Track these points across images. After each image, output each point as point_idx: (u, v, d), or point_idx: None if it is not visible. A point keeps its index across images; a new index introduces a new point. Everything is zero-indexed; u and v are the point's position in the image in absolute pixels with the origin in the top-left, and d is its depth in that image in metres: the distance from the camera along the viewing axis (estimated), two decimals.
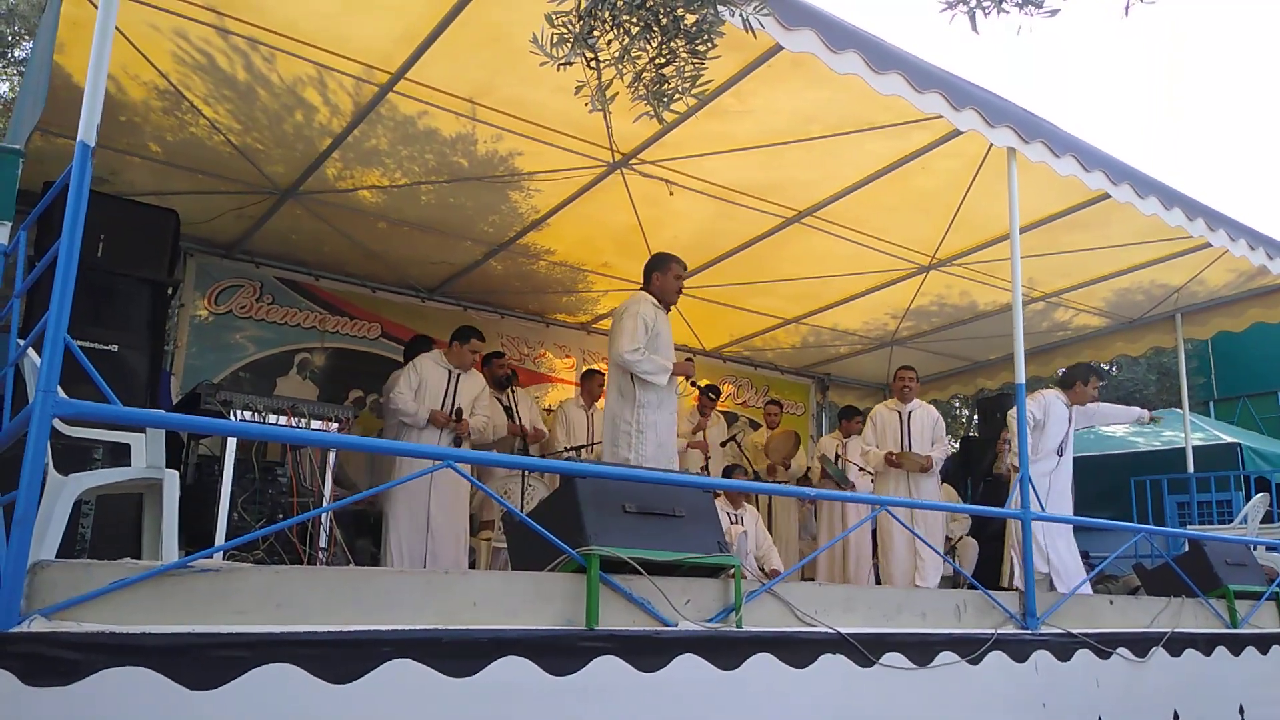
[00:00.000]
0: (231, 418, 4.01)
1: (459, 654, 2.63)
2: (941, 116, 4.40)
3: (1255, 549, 6.23)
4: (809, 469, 8.35)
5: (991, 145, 4.87)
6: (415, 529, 5.41)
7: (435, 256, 7.10)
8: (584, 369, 8.35)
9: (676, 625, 3.12)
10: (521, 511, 4.19)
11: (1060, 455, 6.29)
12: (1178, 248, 6.64)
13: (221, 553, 3.24)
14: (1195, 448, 8.49)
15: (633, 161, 5.56)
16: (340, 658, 2.48)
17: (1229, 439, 10.54)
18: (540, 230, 6.61)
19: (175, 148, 5.41)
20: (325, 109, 5.02)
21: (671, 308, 5.27)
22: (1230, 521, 8.34)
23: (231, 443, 3.93)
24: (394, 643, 2.53)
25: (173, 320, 6.65)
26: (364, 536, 6.04)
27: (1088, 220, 6.22)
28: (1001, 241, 6.49)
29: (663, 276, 5.18)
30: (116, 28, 3.53)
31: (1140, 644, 4.54)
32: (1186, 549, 5.71)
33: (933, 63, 4.37)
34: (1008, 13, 1.75)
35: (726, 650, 3.18)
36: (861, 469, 7.94)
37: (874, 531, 8.03)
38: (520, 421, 6.67)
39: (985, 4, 1.75)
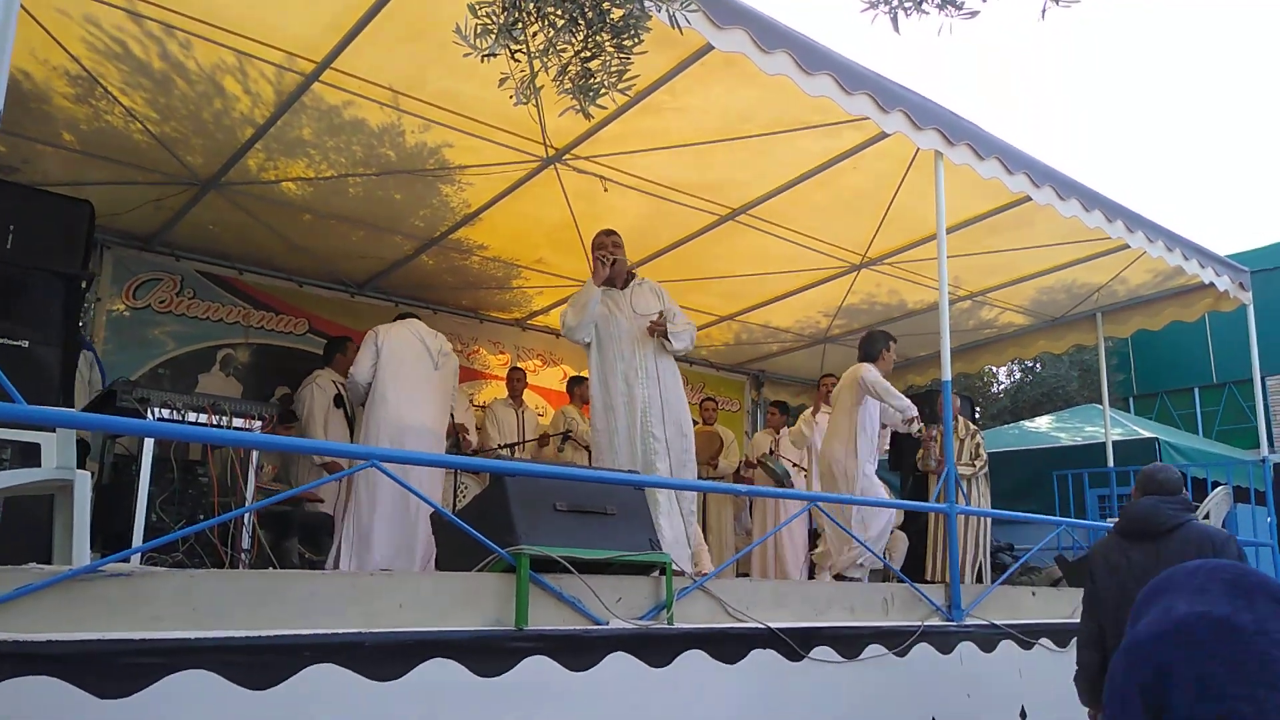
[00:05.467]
0: (149, 416, 3.88)
1: (384, 657, 2.59)
2: (869, 118, 4.46)
3: None
4: (742, 464, 8.41)
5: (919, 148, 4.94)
6: (383, 526, 5.26)
7: (364, 250, 6.98)
8: (572, 375, 8.30)
9: (607, 623, 3.11)
10: (453, 510, 4.14)
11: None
12: (1099, 248, 6.82)
13: (138, 556, 3.13)
14: (1115, 442, 8.74)
15: (566, 157, 5.52)
16: (259, 663, 2.41)
17: (1148, 434, 10.88)
18: (473, 225, 6.53)
19: (90, 137, 5.22)
20: (246, 98, 4.89)
21: (632, 279, 5.23)
22: None
23: (149, 442, 3.80)
24: (315, 647, 2.48)
25: (89, 315, 6.42)
26: (290, 538, 5.90)
27: (1013, 221, 6.36)
28: (930, 241, 6.60)
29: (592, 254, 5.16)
30: (23, 8, 3.39)
31: (1062, 634, 4.65)
32: None
33: (863, 64, 4.43)
34: (927, 13, 1.77)
35: (658, 647, 3.18)
36: (795, 464, 8.02)
37: (812, 527, 8.11)
38: (454, 421, 6.59)
39: (906, 4, 1.76)
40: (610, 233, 5.22)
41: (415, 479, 4.91)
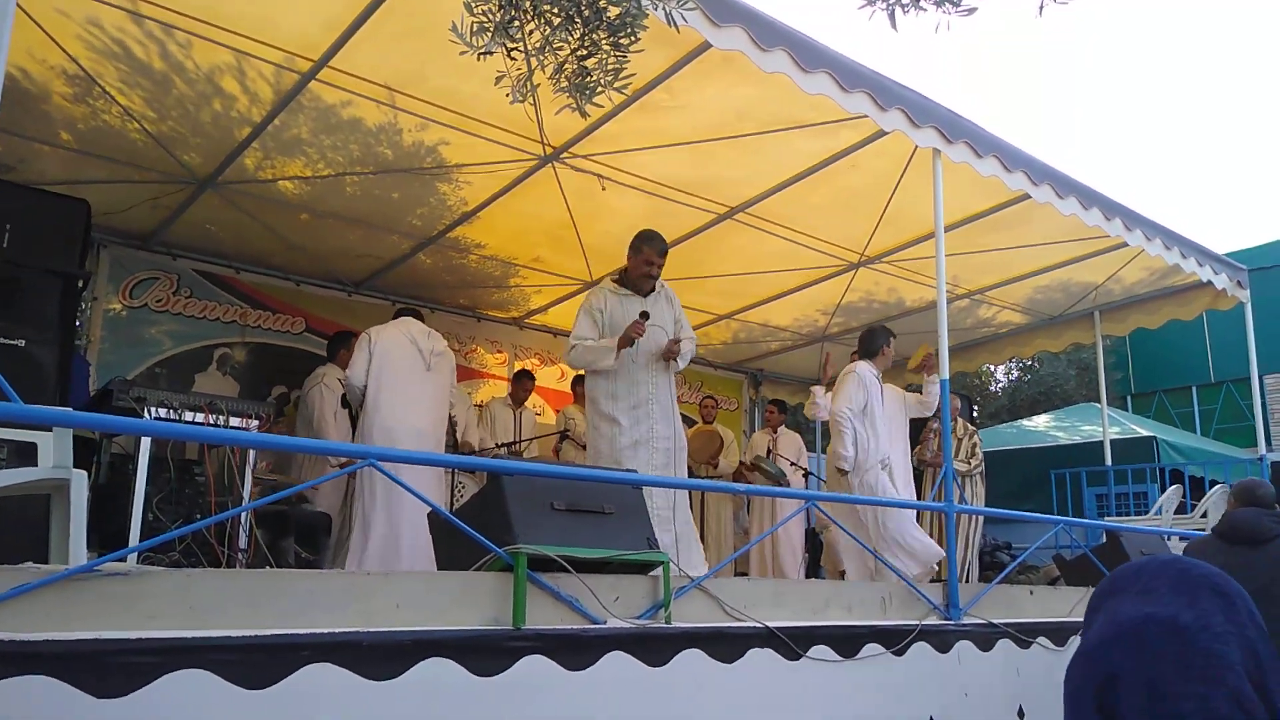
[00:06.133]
0: (146, 415, 3.87)
1: (381, 656, 2.58)
2: (868, 116, 4.45)
3: (1169, 539, 6.44)
4: (742, 462, 8.41)
5: (917, 146, 4.94)
6: (384, 531, 5.25)
7: (361, 249, 6.97)
8: (516, 369, 8.27)
9: (605, 623, 3.10)
10: (450, 510, 4.13)
11: (890, 429, 5.88)
12: (1096, 246, 6.82)
13: (135, 556, 3.12)
14: (1113, 441, 8.75)
15: (564, 155, 5.52)
16: (256, 662, 2.41)
17: (1145, 432, 10.90)
18: (470, 224, 6.53)
19: (87, 136, 5.21)
20: (244, 97, 4.88)
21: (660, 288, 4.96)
22: (1146, 513, 8.62)
23: (146, 441, 3.79)
24: (313, 646, 2.47)
25: (86, 314, 6.42)
26: (287, 537, 5.90)
27: (1011, 219, 6.36)
28: (928, 239, 6.60)
29: (633, 257, 4.82)
30: (21, 8, 3.38)
31: (1059, 633, 4.65)
32: (1104, 540, 5.87)
33: (861, 62, 4.42)
34: (925, 10, 1.76)
35: (655, 647, 3.17)
36: (793, 463, 8.02)
37: (810, 526, 8.12)
38: (451, 420, 6.60)
39: (904, 1, 1.75)
40: (654, 253, 4.82)
41: (411, 480, 4.94)
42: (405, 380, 5.43)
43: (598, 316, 4.78)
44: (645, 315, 4.66)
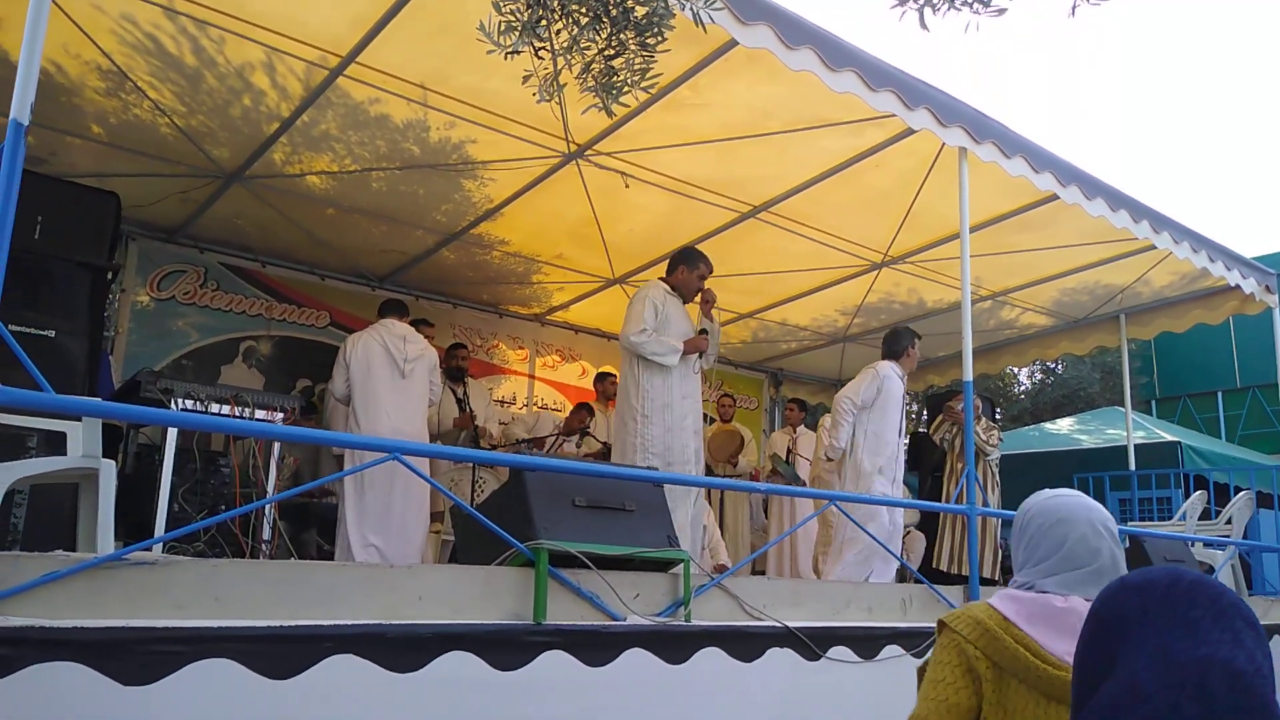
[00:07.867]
0: (172, 406, 3.92)
1: (403, 649, 2.60)
2: (895, 115, 4.44)
3: (1193, 545, 6.38)
4: (758, 470, 8.38)
5: (944, 144, 4.91)
6: (375, 522, 5.30)
7: (386, 245, 7.01)
8: (598, 371, 8.28)
9: (625, 619, 3.11)
10: (472, 505, 4.17)
11: (900, 437, 5.79)
12: (1123, 249, 6.76)
13: (161, 545, 3.16)
14: (1137, 446, 8.68)
15: (588, 153, 5.52)
16: (280, 653, 2.43)
17: (1170, 437, 10.77)
18: (494, 220, 6.55)
19: (118, 129, 5.27)
20: (274, 93, 4.92)
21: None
22: (1170, 518, 8.53)
23: (173, 432, 3.84)
24: (336, 638, 2.49)
25: (113, 306, 6.49)
26: (310, 529, 5.95)
27: (1036, 220, 6.31)
28: (952, 240, 6.56)
29: (688, 272, 5.14)
30: (56, 4, 3.43)
31: None
32: (1127, 545, 5.83)
33: (888, 61, 4.41)
34: (958, 10, 1.76)
35: (675, 644, 3.18)
36: (812, 463, 7.99)
37: None
38: (471, 414, 6.64)
39: (935, 1, 1.75)
40: (708, 271, 5.19)
41: (402, 482, 5.29)
42: (382, 391, 5.52)
43: (658, 309, 4.99)
44: (704, 332, 5.13)
